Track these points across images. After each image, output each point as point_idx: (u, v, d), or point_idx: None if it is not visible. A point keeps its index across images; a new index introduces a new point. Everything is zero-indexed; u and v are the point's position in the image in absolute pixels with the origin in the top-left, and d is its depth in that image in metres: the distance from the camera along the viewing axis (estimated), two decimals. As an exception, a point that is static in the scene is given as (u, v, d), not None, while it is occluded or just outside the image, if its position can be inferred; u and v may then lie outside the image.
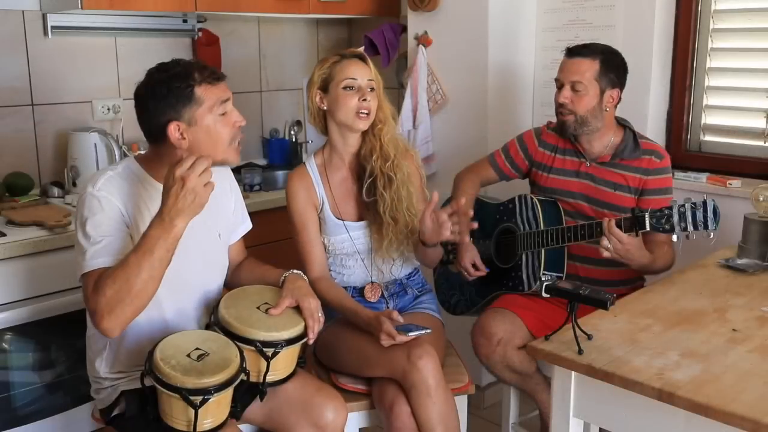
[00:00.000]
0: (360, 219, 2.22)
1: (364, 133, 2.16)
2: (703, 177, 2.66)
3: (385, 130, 2.15)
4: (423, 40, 3.06)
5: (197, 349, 1.71)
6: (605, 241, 2.05)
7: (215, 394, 1.64)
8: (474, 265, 2.39)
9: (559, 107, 2.30)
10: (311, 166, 2.22)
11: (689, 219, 1.93)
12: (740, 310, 1.86)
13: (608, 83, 2.26)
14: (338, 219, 2.19)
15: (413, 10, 3.08)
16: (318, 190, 2.20)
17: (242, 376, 1.73)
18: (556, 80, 2.33)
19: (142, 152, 1.93)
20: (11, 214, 2.46)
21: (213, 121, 1.79)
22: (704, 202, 1.93)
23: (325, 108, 2.15)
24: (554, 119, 2.44)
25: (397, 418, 1.96)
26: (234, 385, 1.70)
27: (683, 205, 1.95)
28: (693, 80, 2.79)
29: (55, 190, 2.73)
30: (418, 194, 2.23)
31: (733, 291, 2.00)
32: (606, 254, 2.07)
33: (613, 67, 2.28)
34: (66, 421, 2.39)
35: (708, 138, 2.81)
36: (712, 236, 1.93)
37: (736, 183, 2.58)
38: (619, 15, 2.79)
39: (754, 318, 1.81)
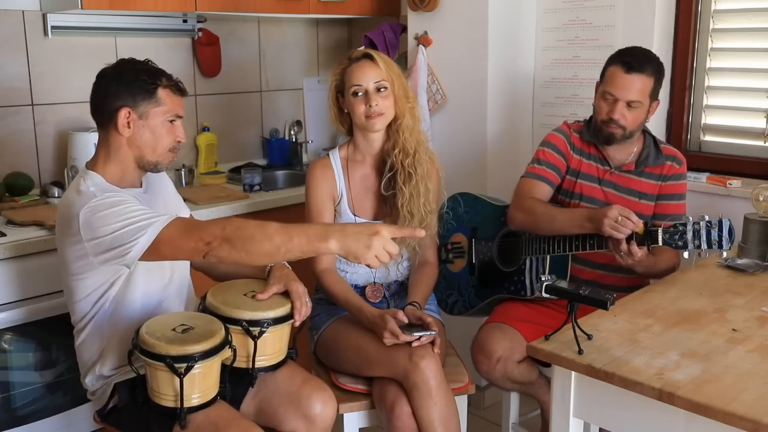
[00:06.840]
0: (375, 218, 2.22)
1: (388, 128, 2.17)
2: (703, 177, 2.65)
3: (404, 123, 2.15)
4: (423, 40, 3.06)
5: (183, 324, 1.75)
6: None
7: (200, 362, 1.66)
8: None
9: (610, 120, 2.16)
10: (335, 158, 2.23)
11: (704, 237, 1.88)
12: (740, 310, 1.86)
13: (654, 96, 2.19)
14: (353, 215, 2.20)
15: (413, 10, 3.08)
16: (339, 183, 2.21)
17: (228, 351, 1.75)
18: (606, 92, 2.17)
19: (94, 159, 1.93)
20: (11, 214, 2.46)
21: (161, 125, 1.85)
22: (720, 221, 1.87)
23: (345, 110, 2.17)
24: (558, 120, 2.41)
25: (398, 418, 1.96)
26: (219, 355, 1.71)
27: (698, 223, 1.90)
28: (693, 80, 2.78)
29: (55, 190, 2.72)
30: (435, 193, 2.23)
31: (733, 291, 2.00)
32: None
33: (661, 80, 2.20)
34: (66, 421, 2.39)
35: (708, 138, 2.81)
36: (725, 255, 1.89)
37: (736, 183, 2.57)
38: (619, 15, 2.79)
39: (754, 318, 1.81)
